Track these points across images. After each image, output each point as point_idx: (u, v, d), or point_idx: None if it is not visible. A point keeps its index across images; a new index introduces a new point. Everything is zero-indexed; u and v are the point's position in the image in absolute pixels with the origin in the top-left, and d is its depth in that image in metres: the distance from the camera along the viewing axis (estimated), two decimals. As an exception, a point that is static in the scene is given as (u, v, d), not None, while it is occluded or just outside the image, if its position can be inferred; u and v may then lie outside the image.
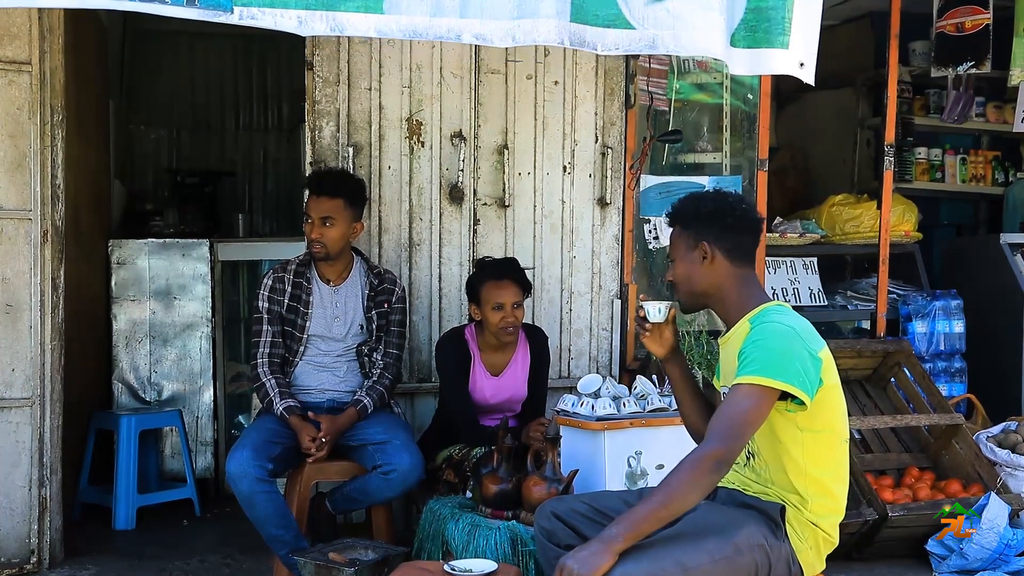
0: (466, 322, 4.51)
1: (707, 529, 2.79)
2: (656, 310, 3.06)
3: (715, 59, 3.40)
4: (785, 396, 2.77)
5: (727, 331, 3.01)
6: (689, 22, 3.22)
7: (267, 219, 8.08)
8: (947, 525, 4.45)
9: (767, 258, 5.28)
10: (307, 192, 4.28)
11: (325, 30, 3.06)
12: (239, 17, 3.02)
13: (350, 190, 4.25)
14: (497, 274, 4.24)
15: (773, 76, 5.04)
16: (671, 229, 3.06)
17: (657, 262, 5.13)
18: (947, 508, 4.51)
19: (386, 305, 4.32)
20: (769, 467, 2.91)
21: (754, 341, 2.80)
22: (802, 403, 2.77)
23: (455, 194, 4.86)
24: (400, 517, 4.54)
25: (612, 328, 5.09)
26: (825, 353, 2.86)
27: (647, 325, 3.07)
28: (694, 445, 3.23)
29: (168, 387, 5.61)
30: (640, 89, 5.02)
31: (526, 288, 4.29)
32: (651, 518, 2.68)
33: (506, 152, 4.91)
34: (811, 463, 2.86)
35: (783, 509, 2.87)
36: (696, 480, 2.68)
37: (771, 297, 3.04)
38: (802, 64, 3.30)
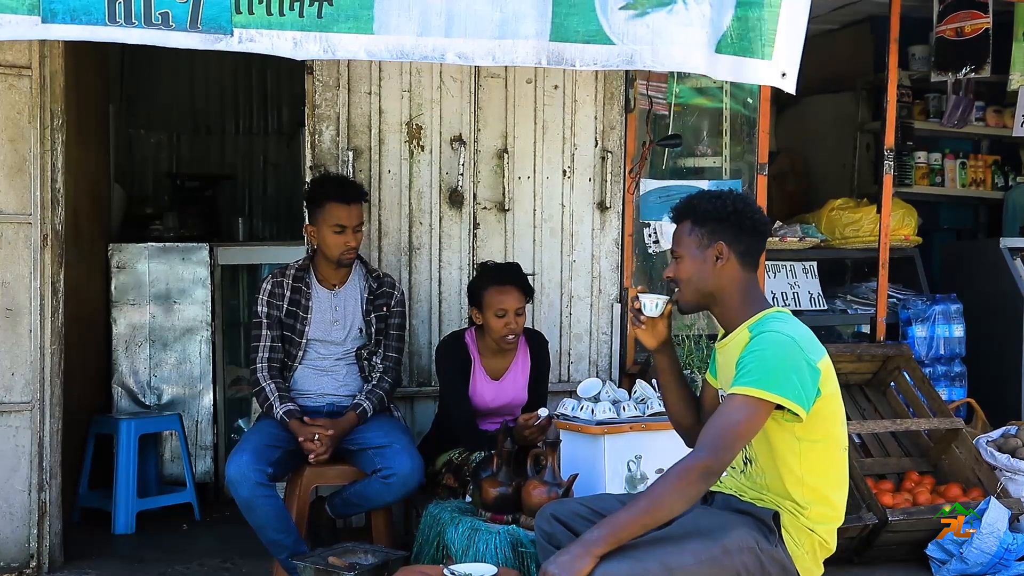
0: (466, 326, 4.50)
1: (695, 531, 2.78)
2: (653, 304, 3.01)
3: (695, 73, 3.49)
4: (781, 406, 2.76)
5: (725, 335, 2.99)
6: (668, 37, 3.30)
7: (267, 223, 8.08)
8: (947, 526, 4.45)
9: (767, 262, 5.29)
10: (322, 202, 4.19)
11: (318, 52, 3.18)
12: (239, 41, 3.13)
13: (365, 193, 4.37)
14: (501, 280, 4.22)
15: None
16: (678, 225, 2.99)
17: (657, 266, 5.13)
18: (947, 508, 4.52)
19: (385, 309, 4.32)
20: (765, 474, 2.90)
21: (753, 351, 2.77)
22: (795, 414, 2.75)
23: (455, 198, 4.86)
24: (400, 521, 4.54)
25: (612, 332, 5.09)
26: (825, 362, 2.83)
27: (642, 318, 3.03)
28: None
29: (168, 391, 5.61)
30: (640, 93, 5.02)
31: (529, 294, 4.28)
32: (633, 524, 2.67)
33: (506, 156, 4.91)
34: (808, 472, 2.84)
35: (776, 514, 2.86)
36: (682, 490, 2.67)
37: (771, 303, 3.02)
38: (784, 74, 3.36)
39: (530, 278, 4.78)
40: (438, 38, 3.21)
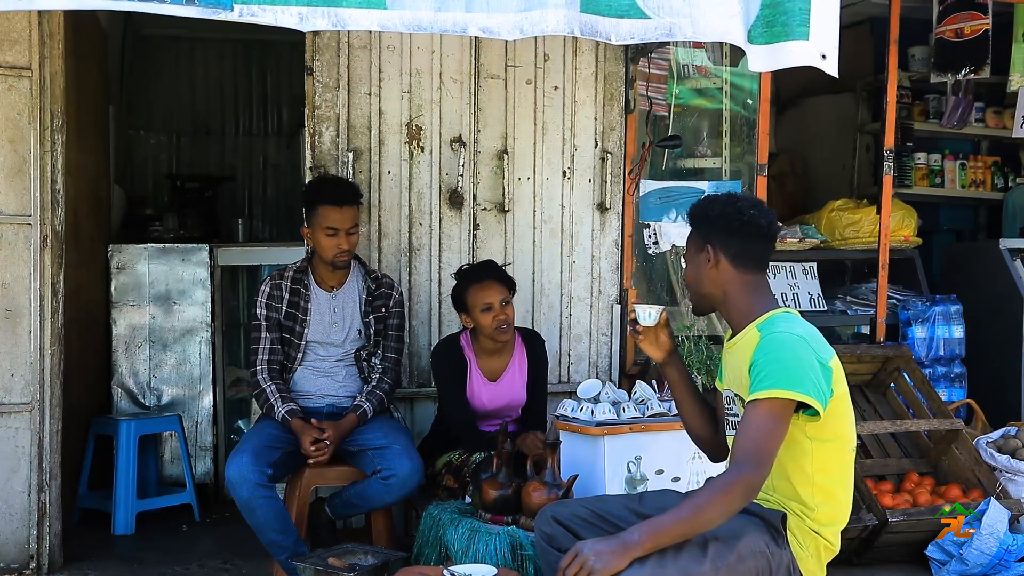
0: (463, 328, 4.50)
1: (710, 536, 2.78)
2: (646, 314, 3.05)
3: (736, 46, 3.32)
4: (798, 406, 2.76)
5: (733, 335, 3.00)
6: (706, 9, 3.15)
7: (267, 224, 8.09)
8: (947, 526, 4.45)
9: (767, 263, 5.28)
10: (316, 204, 4.20)
11: (327, 25, 3.00)
12: (239, 14, 2.98)
13: (360, 196, 4.33)
14: (478, 277, 4.24)
15: (772, 81, 5.05)
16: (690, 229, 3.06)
17: (657, 267, 5.13)
18: (947, 508, 4.52)
19: (384, 310, 4.32)
20: (772, 474, 2.90)
21: (765, 353, 2.77)
22: (815, 412, 2.75)
23: (455, 199, 4.86)
24: (400, 522, 4.54)
25: (612, 333, 5.09)
26: (835, 362, 2.85)
27: (638, 328, 3.07)
28: (694, 449, 3.24)
29: (167, 392, 5.60)
30: (640, 94, 5.02)
31: (510, 286, 4.28)
32: (674, 532, 2.68)
33: (506, 157, 4.91)
34: (818, 472, 2.85)
35: (784, 517, 2.86)
36: (727, 504, 2.68)
37: (780, 303, 3.02)
38: (824, 56, 3.25)
39: (529, 278, 4.80)
40: (458, 12, 3.06)
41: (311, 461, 4.05)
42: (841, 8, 3.38)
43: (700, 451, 3.22)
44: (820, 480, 2.85)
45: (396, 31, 3.06)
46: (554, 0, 3.07)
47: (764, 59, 3.24)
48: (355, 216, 4.23)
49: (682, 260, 3.09)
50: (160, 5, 2.97)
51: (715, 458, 3.18)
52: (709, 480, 2.75)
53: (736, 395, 2.93)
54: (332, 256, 4.20)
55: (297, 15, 3.00)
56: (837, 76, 3.28)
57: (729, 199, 2.99)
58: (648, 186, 5.08)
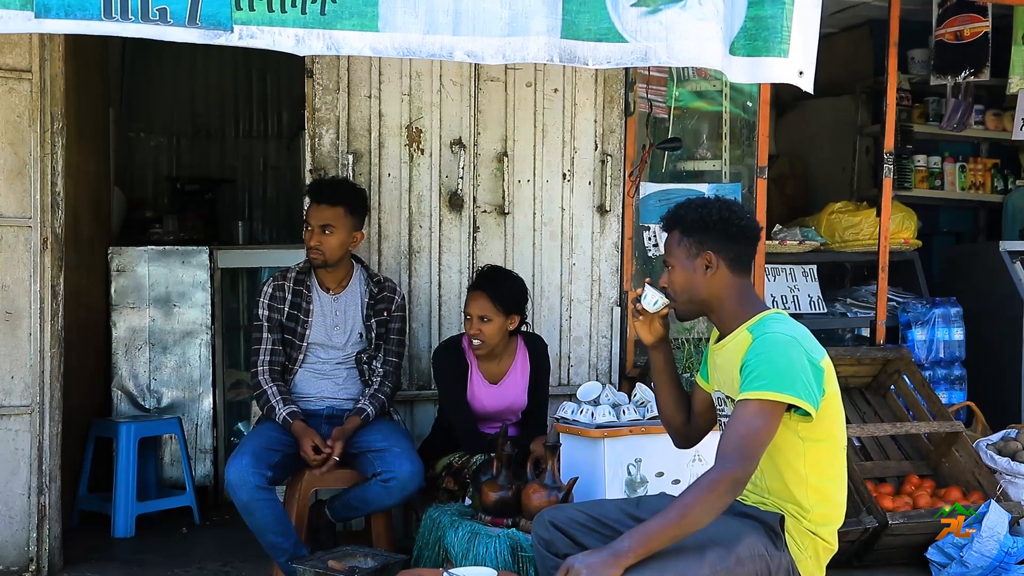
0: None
1: (708, 540, 2.78)
2: (652, 300, 3.03)
3: (711, 69, 3.44)
4: (789, 406, 2.76)
5: (722, 337, 3.00)
6: (683, 33, 3.27)
7: (267, 226, 8.08)
8: (947, 526, 4.45)
9: (767, 265, 5.28)
10: (307, 200, 4.29)
11: (322, 48, 3.15)
12: (239, 37, 3.11)
13: (351, 198, 4.25)
14: (473, 284, 4.26)
15: (773, 84, 5.05)
16: (668, 234, 3.02)
17: (656, 269, 5.13)
18: (947, 508, 4.52)
19: (385, 313, 4.32)
20: (765, 476, 2.90)
21: (757, 354, 2.78)
22: (806, 413, 2.76)
23: (455, 201, 4.86)
24: (400, 525, 4.54)
25: (612, 335, 5.09)
26: (826, 362, 2.86)
27: (639, 307, 3.06)
28: (694, 452, 3.25)
29: (167, 394, 5.60)
30: (639, 97, 5.02)
31: (505, 304, 4.18)
32: (663, 536, 2.67)
33: (506, 159, 4.91)
34: (812, 472, 2.85)
35: (782, 519, 2.86)
36: (712, 502, 2.67)
37: (769, 305, 3.03)
38: (801, 72, 3.34)
39: (529, 281, 4.78)
40: (445, 36, 3.19)
41: (317, 470, 4.05)
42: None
43: (671, 438, 3.23)
44: (814, 480, 2.86)
45: (388, 56, 3.17)
46: (536, 27, 3.21)
47: (745, 72, 3.36)
48: (334, 215, 4.16)
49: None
50: (163, 29, 3.05)
51: (682, 445, 3.21)
52: (695, 480, 2.75)
53: (727, 396, 2.94)
54: (306, 252, 4.23)
55: (294, 37, 3.13)
56: (812, 92, 3.36)
57: (722, 204, 2.98)
58: (648, 188, 5.08)
